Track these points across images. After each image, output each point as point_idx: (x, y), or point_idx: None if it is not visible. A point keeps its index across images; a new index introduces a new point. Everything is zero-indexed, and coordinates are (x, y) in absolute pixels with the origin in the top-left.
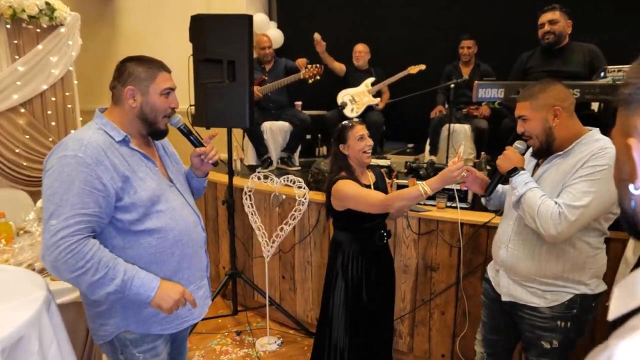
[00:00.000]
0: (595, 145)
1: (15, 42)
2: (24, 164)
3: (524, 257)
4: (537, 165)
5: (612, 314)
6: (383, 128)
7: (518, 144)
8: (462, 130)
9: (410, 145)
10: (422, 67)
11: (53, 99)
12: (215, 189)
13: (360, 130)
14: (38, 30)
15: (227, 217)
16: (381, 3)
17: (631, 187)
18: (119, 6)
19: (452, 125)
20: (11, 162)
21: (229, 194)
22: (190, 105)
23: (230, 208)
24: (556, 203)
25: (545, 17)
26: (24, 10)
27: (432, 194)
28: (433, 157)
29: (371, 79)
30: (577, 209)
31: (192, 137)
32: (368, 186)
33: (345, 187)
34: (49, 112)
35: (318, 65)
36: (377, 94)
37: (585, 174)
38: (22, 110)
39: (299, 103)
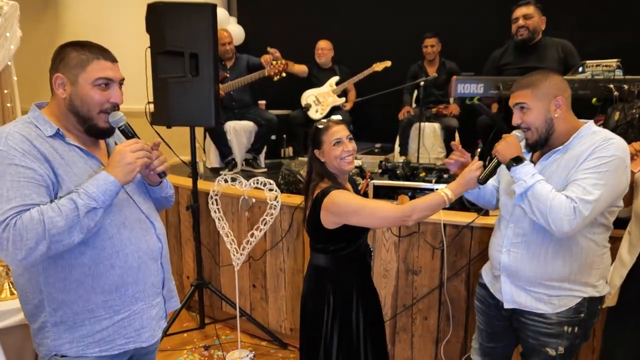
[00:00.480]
0: (597, 137)
1: None
2: None
3: (528, 260)
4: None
5: None
6: (350, 127)
7: (517, 132)
8: (432, 129)
9: (378, 145)
10: (388, 63)
11: None
12: (177, 193)
13: (337, 132)
14: None
15: (191, 223)
16: None
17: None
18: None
19: (422, 124)
20: None
21: (194, 198)
22: (149, 102)
23: (195, 213)
24: (567, 197)
25: (520, 12)
26: None
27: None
28: (404, 157)
29: (335, 78)
30: (590, 204)
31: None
32: None
33: (345, 199)
34: None
35: (284, 61)
36: (343, 93)
37: (593, 167)
38: None
39: (263, 102)
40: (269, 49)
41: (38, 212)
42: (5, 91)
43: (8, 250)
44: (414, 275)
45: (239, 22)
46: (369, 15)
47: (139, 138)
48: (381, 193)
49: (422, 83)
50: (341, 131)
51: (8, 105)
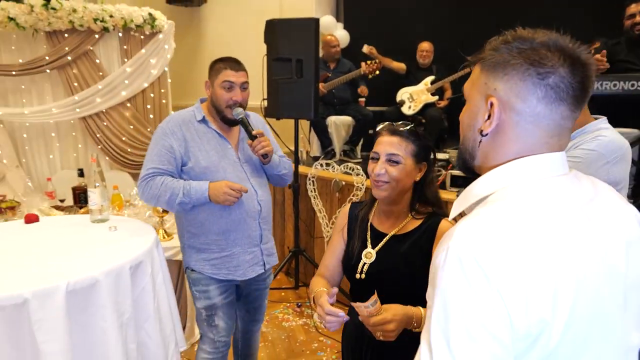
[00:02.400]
0: (595, 134)
1: (125, 47)
2: (128, 149)
3: None
4: None
5: (451, 215)
6: (444, 124)
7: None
8: None
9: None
10: None
11: (152, 95)
12: None
13: (377, 144)
14: (142, 37)
15: (292, 200)
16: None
17: (478, 132)
18: (205, 14)
19: None
20: (119, 148)
21: (295, 179)
22: (264, 99)
23: (295, 192)
24: None
25: (636, 8)
26: (132, 21)
27: None
28: None
29: (431, 78)
30: None
31: (246, 130)
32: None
33: None
34: (148, 107)
35: (377, 61)
36: (439, 91)
37: (570, 157)
38: (128, 104)
39: (363, 99)
40: (365, 46)
41: (161, 181)
42: (162, 91)
43: (144, 197)
44: None
45: (345, 27)
46: (469, 15)
47: (252, 128)
48: (458, 182)
49: None
50: (384, 144)
51: (163, 101)
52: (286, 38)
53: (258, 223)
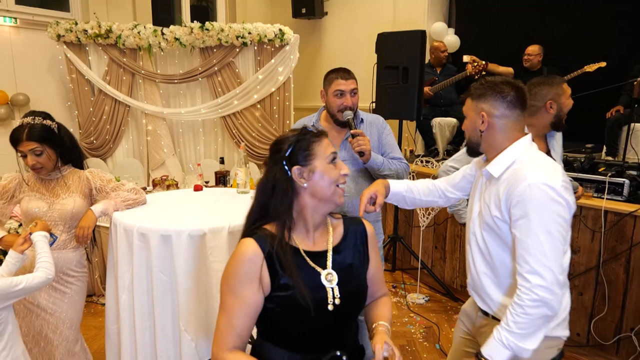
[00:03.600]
0: None
1: (258, 58)
2: (256, 143)
3: None
4: None
5: (496, 173)
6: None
7: None
8: None
9: (590, 145)
10: (602, 64)
11: (277, 98)
12: None
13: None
14: (272, 49)
15: None
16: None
17: (478, 131)
18: (325, 25)
19: (634, 124)
20: (249, 142)
21: None
22: (372, 102)
23: None
24: None
25: None
26: (265, 36)
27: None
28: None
29: None
30: None
31: (351, 129)
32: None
33: None
34: (274, 108)
35: (483, 62)
36: None
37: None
38: (258, 106)
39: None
40: (465, 56)
41: None
42: (286, 94)
43: None
44: (572, 254)
45: (456, 33)
46: (583, 13)
47: (357, 128)
48: None
49: (635, 82)
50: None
51: (287, 103)
52: (394, 48)
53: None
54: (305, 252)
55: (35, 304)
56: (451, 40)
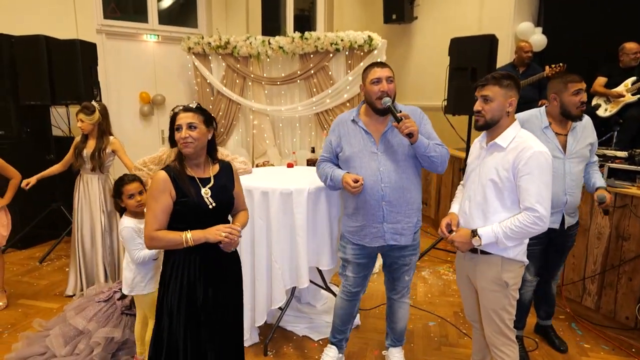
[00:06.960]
0: None
1: (349, 62)
2: None
3: None
4: None
5: (505, 144)
6: None
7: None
8: None
9: None
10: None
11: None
12: (452, 161)
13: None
14: (362, 53)
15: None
16: None
17: (505, 113)
18: (414, 29)
19: None
20: None
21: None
22: (444, 100)
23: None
24: None
25: None
26: (356, 42)
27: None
28: None
29: (632, 79)
30: None
31: (393, 115)
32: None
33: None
34: None
35: (561, 64)
36: None
37: None
38: (347, 104)
39: (545, 100)
40: (547, 67)
41: (323, 166)
42: None
43: (317, 175)
44: (623, 241)
45: (544, 32)
46: None
47: (399, 112)
48: (617, 174)
49: None
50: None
51: None
52: (465, 51)
53: (381, 205)
54: (198, 178)
55: None
56: (538, 39)
